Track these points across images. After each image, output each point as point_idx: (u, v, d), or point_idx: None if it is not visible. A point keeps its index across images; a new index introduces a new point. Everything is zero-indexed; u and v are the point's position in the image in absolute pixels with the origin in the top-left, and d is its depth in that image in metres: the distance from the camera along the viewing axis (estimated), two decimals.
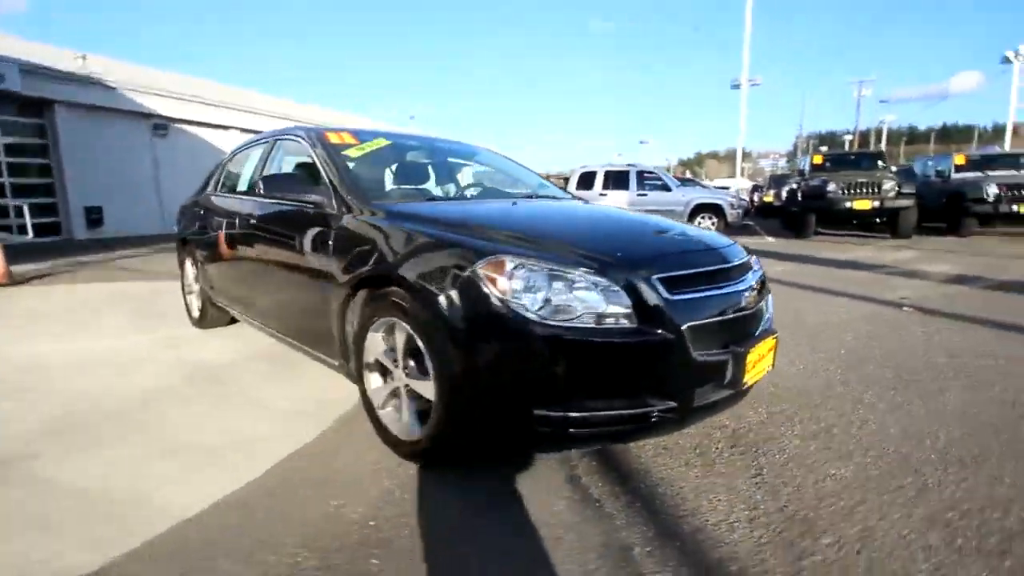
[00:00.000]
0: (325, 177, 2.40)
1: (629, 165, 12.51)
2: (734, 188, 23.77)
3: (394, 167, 2.95)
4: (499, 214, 2.34)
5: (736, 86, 27.61)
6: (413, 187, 2.93)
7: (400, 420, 1.99)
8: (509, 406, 1.62)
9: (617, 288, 1.59)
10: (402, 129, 20.41)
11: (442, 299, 1.69)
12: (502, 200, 2.74)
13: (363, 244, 2.05)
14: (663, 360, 1.60)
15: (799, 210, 10.99)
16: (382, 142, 2.72)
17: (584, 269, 1.62)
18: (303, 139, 2.74)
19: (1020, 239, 9.95)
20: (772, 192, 18.22)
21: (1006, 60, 23.62)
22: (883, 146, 46.60)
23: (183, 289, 4.17)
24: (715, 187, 18.21)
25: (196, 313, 3.98)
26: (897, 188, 9.91)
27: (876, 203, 9.96)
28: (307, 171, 2.55)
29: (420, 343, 1.79)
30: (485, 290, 1.61)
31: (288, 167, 2.95)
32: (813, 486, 1.78)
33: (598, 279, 1.60)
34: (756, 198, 21.31)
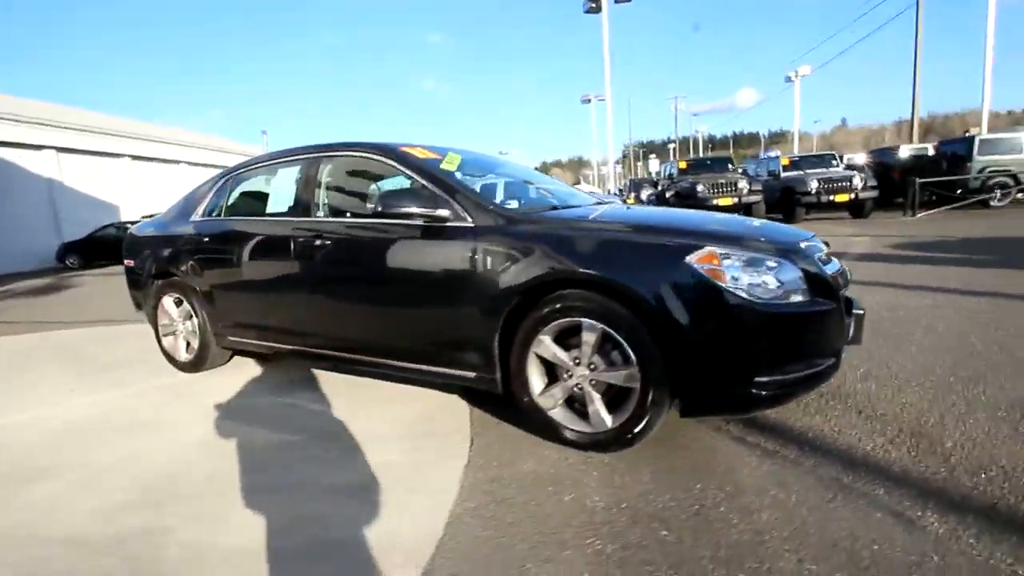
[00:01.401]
0: (440, 191, 2.37)
1: None
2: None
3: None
4: (638, 215, 2.55)
5: (586, 101, 30.31)
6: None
7: (567, 415, 2.11)
8: (734, 377, 1.85)
9: (796, 268, 1.92)
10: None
11: (655, 292, 1.86)
12: (603, 205, 2.85)
13: (527, 252, 2.11)
14: (833, 325, 1.96)
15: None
16: (458, 157, 2.73)
17: (769, 254, 1.92)
18: (379, 155, 2.64)
19: (839, 222, 12.56)
20: (632, 195, 20.73)
21: (788, 79, 29.71)
22: (701, 152, 54.40)
23: (157, 332, 3.59)
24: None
25: (185, 356, 3.48)
26: (749, 186, 11.91)
27: (735, 199, 11.86)
28: (403, 187, 2.48)
29: (618, 336, 1.93)
30: (703, 279, 1.83)
31: (349, 185, 2.79)
32: (899, 407, 2.29)
33: (782, 261, 1.91)
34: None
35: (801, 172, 12.98)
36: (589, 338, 2.01)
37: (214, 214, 3.36)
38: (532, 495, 1.85)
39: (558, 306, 2.04)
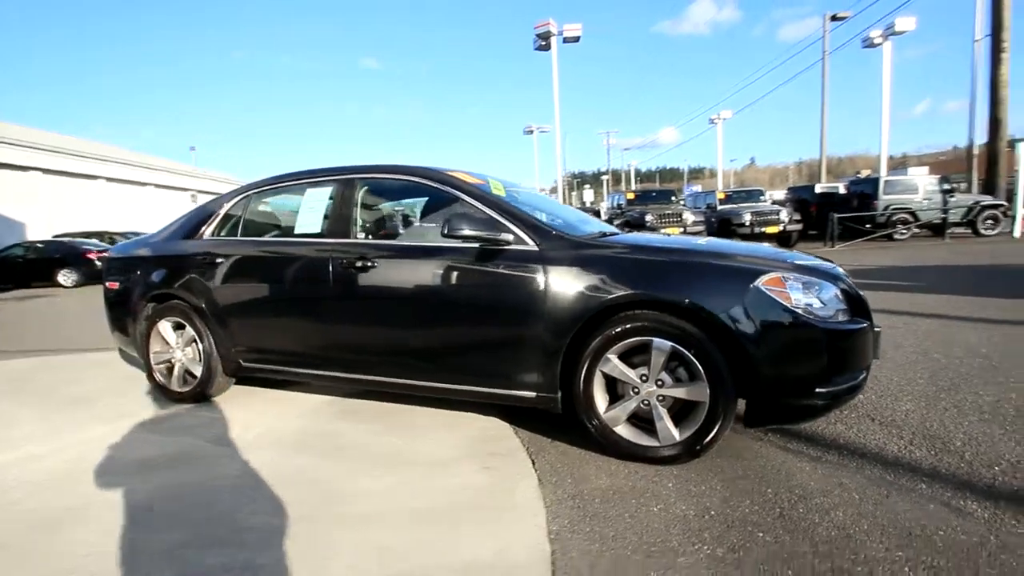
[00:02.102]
0: (499, 216, 2.44)
1: None
2: None
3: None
4: (687, 242, 2.70)
5: (528, 132, 31.29)
6: None
7: (632, 431, 2.22)
8: (799, 389, 2.04)
9: (838, 289, 2.16)
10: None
11: (728, 312, 2.03)
12: (640, 231, 3.02)
13: (599, 275, 2.22)
14: (868, 341, 2.21)
15: None
16: (500, 183, 2.82)
17: (817, 277, 2.15)
18: (427, 179, 2.69)
19: None
20: None
21: (712, 121, 32.40)
22: (632, 183, 57.34)
23: (148, 360, 3.32)
24: None
25: (181, 385, 3.24)
26: (693, 217, 12.78)
27: (681, 229, 12.66)
28: (456, 211, 2.52)
29: (688, 353, 2.08)
30: (772, 300, 2.02)
31: (390, 207, 2.78)
32: (903, 414, 2.58)
33: (828, 283, 2.15)
34: None
35: (735, 205, 14.11)
36: (658, 356, 2.14)
37: (225, 233, 3.22)
38: (620, 508, 1.93)
39: (628, 326, 2.16)
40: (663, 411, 2.17)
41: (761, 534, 1.73)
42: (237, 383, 3.45)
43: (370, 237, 2.81)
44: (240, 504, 2.07)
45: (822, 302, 2.08)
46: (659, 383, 2.17)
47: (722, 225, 13.95)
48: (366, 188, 2.87)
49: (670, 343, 2.11)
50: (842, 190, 15.95)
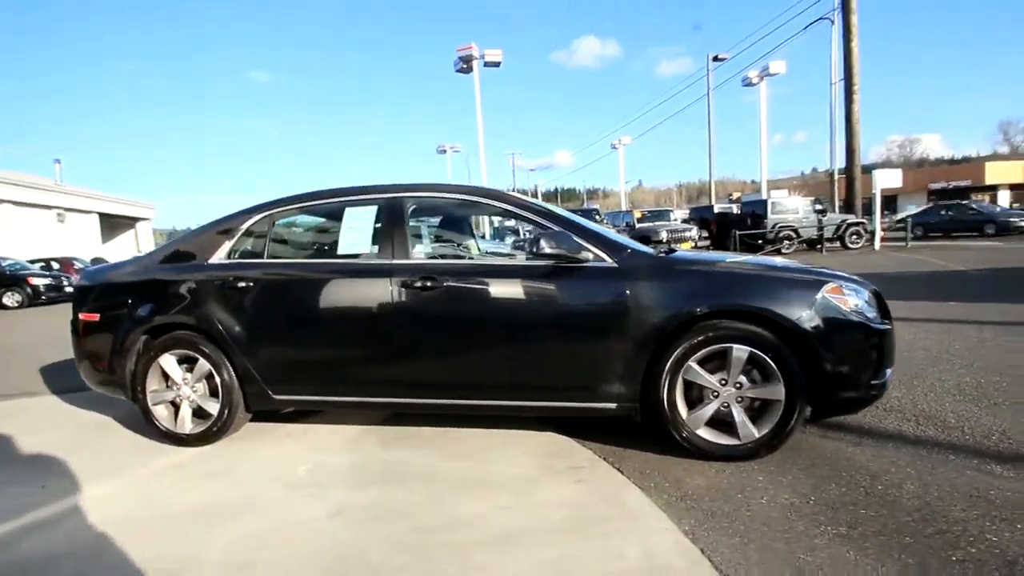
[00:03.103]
0: (575, 235, 2.51)
1: None
2: None
3: None
4: (748, 259, 2.94)
5: (442, 151, 31.38)
6: None
7: (712, 432, 2.40)
8: (857, 383, 2.33)
9: (872, 296, 2.51)
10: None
11: (800, 318, 2.28)
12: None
13: (681, 290, 2.39)
14: (894, 339, 2.59)
15: None
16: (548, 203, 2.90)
17: (859, 285, 2.48)
18: (486, 198, 2.71)
19: None
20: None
21: (613, 147, 34.79)
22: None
23: (143, 401, 2.93)
24: None
25: (189, 426, 2.91)
26: (698, 233, 14.15)
27: (692, 244, 13.88)
28: (540, 231, 2.55)
29: (766, 357, 2.30)
30: (836, 307, 2.31)
31: (445, 226, 2.73)
32: (896, 400, 3.04)
33: (866, 291, 2.49)
34: None
35: (653, 224, 15.31)
36: (738, 361, 2.34)
37: (245, 256, 2.95)
38: (732, 504, 2.07)
39: (710, 334, 2.35)
40: (741, 411, 2.37)
41: (863, 511, 1.97)
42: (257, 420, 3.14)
43: (428, 257, 2.75)
44: (355, 548, 1.93)
45: (868, 306, 2.42)
46: (737, 386, 2.37)
47: (642, 241, 14.99)
48: (415, 207, 2.82)
49: (748, 348, 2.32)
50: (736, 210, 17.89)
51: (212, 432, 2.88)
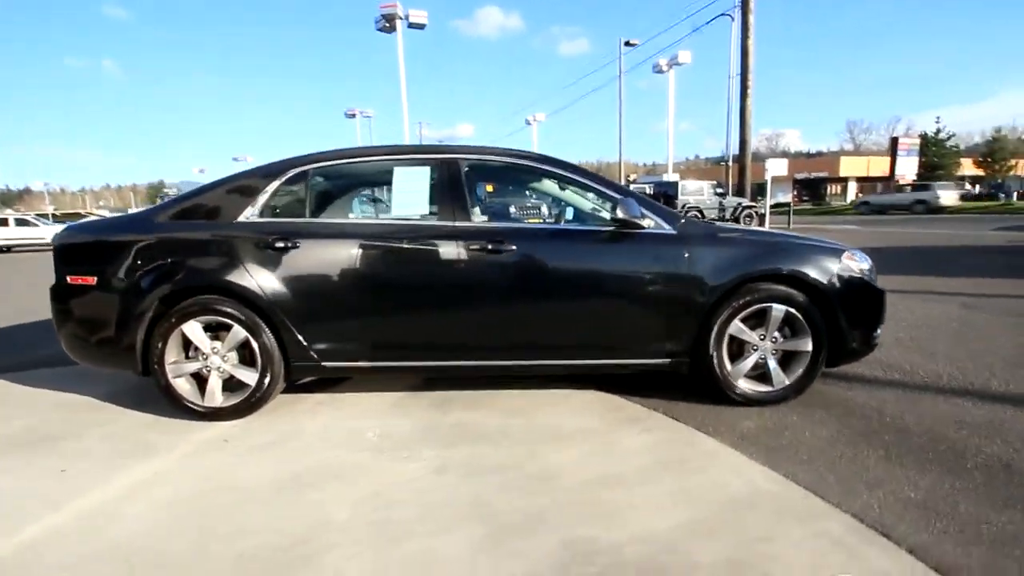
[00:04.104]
0: (608, 191, 2.72)
1: None
2: None
3: None
4: (778, 232, 3.25)
5: (351, 115, 29.68)
6: None
7: (749, 382, 2.75)
8: (869, 336, 2.77)
9: (872, 264, 2.97)
10: None
11: (828, 281, 2.66)
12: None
13: (733, 256, 2.66)
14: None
15: None
16: None
17: (861, 253, 2.91)
18: (545, 165, 2.77)
19: None
20: None
21: (528, 123, 35.18)
22: None
23: (163, 373, 2.65)
24: None
25: (221, 400, 2.70)
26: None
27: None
28: (616, 198, 2.70)
29: (798, 314, 2.67)
30: (852, 270, 2.71)
31: (501, 190, 2.72)
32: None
33: (870, 261, 2.93)
34: None
35: None
36: (775, 319, 2.68)
37: (279, 214, 2.74)
38: (783, 440, 2.41)
39: (755, 295, 2.66)
40: (775, 362, 2.73)
41: (886, 437, 2.40)
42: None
43: (488, 219, 2.76)
44: (482, 498, 1.98)
45: (870, 271, 2.88)
46: (773, 339, 2.72)
47: None
48: (469, 169, 2.79)
49: (784, 307, 2.67)
50: (649, 190, 19.10)
51: (250, 404, 2.69)
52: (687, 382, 2.99)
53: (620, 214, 2.56)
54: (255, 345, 2.64)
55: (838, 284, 2.71)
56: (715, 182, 19.32)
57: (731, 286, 2.65)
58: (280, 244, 2.63)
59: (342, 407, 2.91)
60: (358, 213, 3.06)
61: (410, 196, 2.72)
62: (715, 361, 2.69)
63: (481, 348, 2.72)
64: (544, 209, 7.66)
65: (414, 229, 2.70)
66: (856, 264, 2.78)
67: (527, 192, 3.82)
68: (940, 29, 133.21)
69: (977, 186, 36.38)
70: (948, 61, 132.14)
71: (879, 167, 41.70)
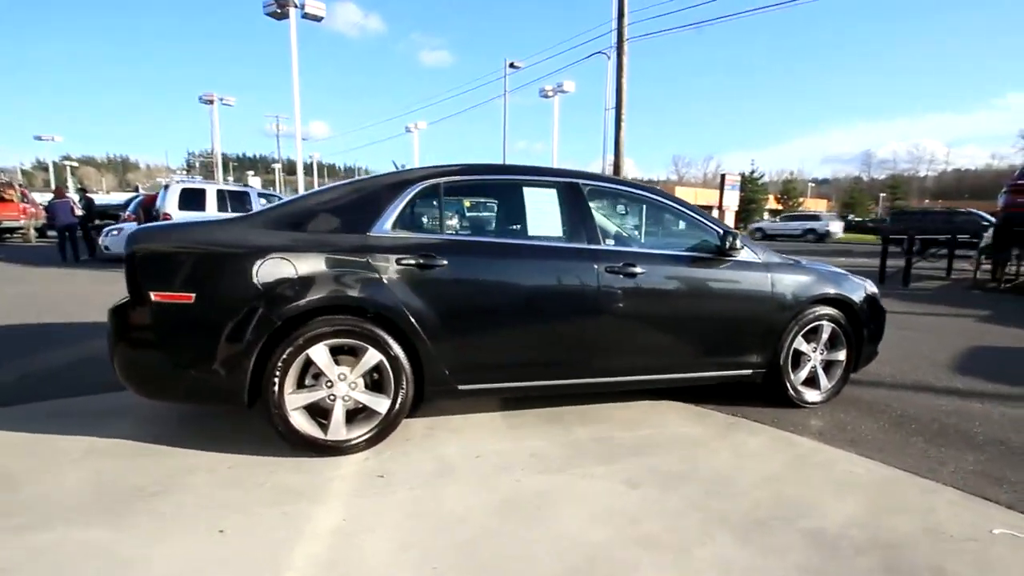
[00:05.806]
0: (707, 222, 3.11)
1: (246, 186, 11.27)
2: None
3: None
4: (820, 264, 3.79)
5: (207, 101, 26.42)
6: None
7: (803, 388, 3.32)
8: (876, 347, 3.49)
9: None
10: None
11: (861, 304, 3.33)
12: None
13: (803, 282, 3.18)
14: None
15: None
16: None
17: (872, 283, 3.65)
18: (655, 196, 3.04)
19: None
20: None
21: (408, 130, 34.47)
22: (316, 177, 54.37)
23: (281, 405, 2.32)
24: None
25: (346, 432, 2.47)
26: None
27: None
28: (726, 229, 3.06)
29: (839, 330, 3.30)
30: (872, 295, 3.43)
31: (617, 216, 2.89)
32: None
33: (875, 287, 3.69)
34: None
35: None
36: (826, 334, 3.28)
37: (413, 228, 2.59)
38: (849, 434, 2.98)
39: (813, 315, 3.22)
40: (821, 370, 3.33)
41: (913, 426, 3.10)
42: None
43: (608, 243, 2.92)
44: (707, 510, 2.15)
45: (878, 295, 3.64)
46: (822, 352, 3.31)
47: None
48: (588, 192, 2.93)
49: (832, 325, 3.28)
50: None
51: (378, 434, 2.48)
52: (736, 390, 3.44)
53: (726, 243, 2.94)
54: (389, 369, 2.46)
55: (865, 306, 3.40)
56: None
57: (800, 307, 3.18)
58: (426, 261, 2.49)
59: (460, 431, 2.82)
60: (495, 231, 2.97)
61: (544, 217, 2.78)
62: (787, 372, 3.19)
63: (606, 367, 2.87)
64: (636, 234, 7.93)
65: (556, 250, 2.77)
66: (872, 288, 3.52)
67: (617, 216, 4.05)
68: (752, 86, 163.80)
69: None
70: (754, 111, 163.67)
71: (705, 197, 49.03)
